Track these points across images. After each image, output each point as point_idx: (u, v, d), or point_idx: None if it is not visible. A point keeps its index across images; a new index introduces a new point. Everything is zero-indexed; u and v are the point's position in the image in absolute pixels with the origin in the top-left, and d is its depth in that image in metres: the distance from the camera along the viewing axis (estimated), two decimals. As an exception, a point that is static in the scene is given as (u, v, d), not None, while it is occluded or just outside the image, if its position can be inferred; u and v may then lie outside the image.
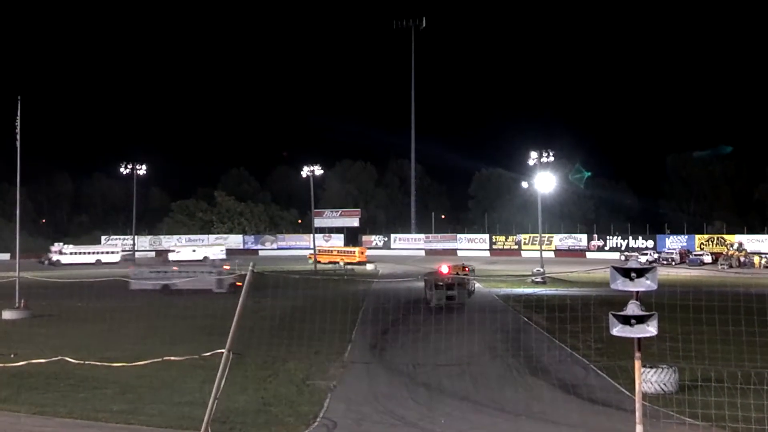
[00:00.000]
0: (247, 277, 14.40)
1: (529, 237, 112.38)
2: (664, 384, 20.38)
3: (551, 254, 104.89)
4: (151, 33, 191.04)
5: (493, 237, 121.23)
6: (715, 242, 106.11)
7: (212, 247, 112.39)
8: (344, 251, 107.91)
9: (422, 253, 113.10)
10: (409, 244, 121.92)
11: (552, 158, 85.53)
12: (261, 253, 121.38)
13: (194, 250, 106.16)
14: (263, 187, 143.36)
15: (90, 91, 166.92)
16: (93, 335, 30.83)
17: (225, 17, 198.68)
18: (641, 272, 11.74)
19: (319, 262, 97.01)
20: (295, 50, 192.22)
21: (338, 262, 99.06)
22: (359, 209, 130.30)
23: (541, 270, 68.24)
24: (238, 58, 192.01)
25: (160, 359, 17.94)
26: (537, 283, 62.74)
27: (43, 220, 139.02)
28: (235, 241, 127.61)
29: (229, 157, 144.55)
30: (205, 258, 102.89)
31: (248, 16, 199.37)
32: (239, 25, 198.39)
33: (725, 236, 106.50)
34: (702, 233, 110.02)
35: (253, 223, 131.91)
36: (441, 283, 47.00)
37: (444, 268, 61.07)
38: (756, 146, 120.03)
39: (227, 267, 64.78)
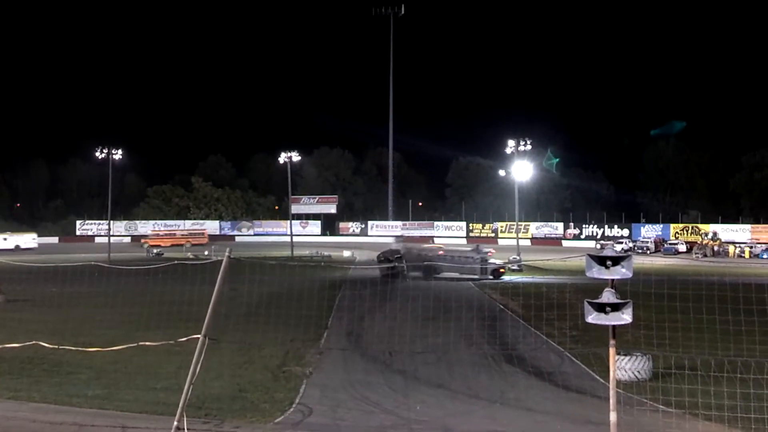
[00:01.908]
0: (224, 263, 14.34)
1: (506, 225, 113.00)
2: (638, 371, 20.56)
3: (527, 242, 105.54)
4: (125, 19, 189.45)
5: (470, 225, 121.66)
6: (689, 231, 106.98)
7: (24, 235, 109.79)
8: (188, 234, 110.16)
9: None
10: (386, 231, 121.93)
11: (529, 147, 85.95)
12: (238, 239, 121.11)
13: (5, 239, 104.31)
14: (241, 174, 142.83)
15: (66, 76, 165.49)
16: (68, 320, 30.59)
17: (203, 2, 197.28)
18: (617, 260, 11.77)
19: (160, 245, 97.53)
20: (273, 37, 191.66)
21: (184, 245, 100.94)
22: (336, 196, 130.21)
23: (518, 258, 68.53)
24: (217, 45, 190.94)
25: (135, 344, 17.84)
26: (513, 270, 63.04)
27: (18, 204, 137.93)
28: (212, 227, 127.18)
29: (207, 143, 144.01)
30: (17, 246, 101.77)
31: (225, 1, 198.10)
32: (217, 12, 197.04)
33: (700, 226, 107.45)
34: (677, 222, 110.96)
35: (230, 209, 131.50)
36: (389, 258, 57.57)
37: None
38: (731, 137, 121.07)
39: (492, 252, 65.50)
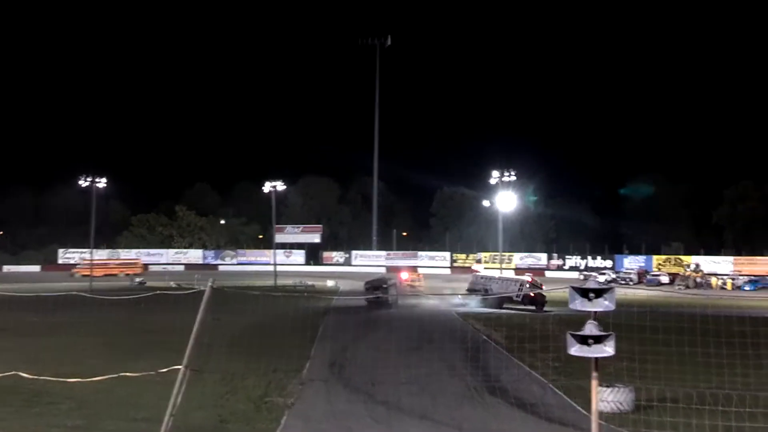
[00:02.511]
0: (206, 293, 14.30)
1: (490, 255, 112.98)
2: (621, 403, 20.50)
3: (511, 273, 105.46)
4: (111, 47, 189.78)
5: (454, 255, 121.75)
6: (672, 263, 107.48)
7: None
8: (124, 263, 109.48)
9: (383, 269, 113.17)
10: (370, 261, 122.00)
11: (513, 178, 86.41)
12: (221, 268, 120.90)
13: None
14: (225, 202, 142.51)
15: (50, 102, 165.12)
16: (48, 350, 30.41)
17: (188, 30, 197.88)
18: (599, 292, 11.85)
19: (89, 275, 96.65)
20: (259, 67, 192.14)
21: (117, 275, 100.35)
22: (321, 225, 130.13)
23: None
24: (203, 74, 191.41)
25: (116, 375, 17.73)
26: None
27: (1, 233, 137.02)
28: (195, 255, 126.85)
29: (192, 171, 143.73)
30: None
31: (212, 29, 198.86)
32: (204, 42, 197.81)
33: (682, 257, 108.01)
34: (660, 254, 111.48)
35: (214, 238, 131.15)
36: (376, 286, 60.84)
37: (404, 275, 79.53)
38: (714, 170, 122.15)
39: (532, 281, 65.32)
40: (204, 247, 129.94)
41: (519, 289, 59.58)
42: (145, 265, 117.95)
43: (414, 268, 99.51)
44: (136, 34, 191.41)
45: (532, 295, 57.43)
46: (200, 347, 14.81)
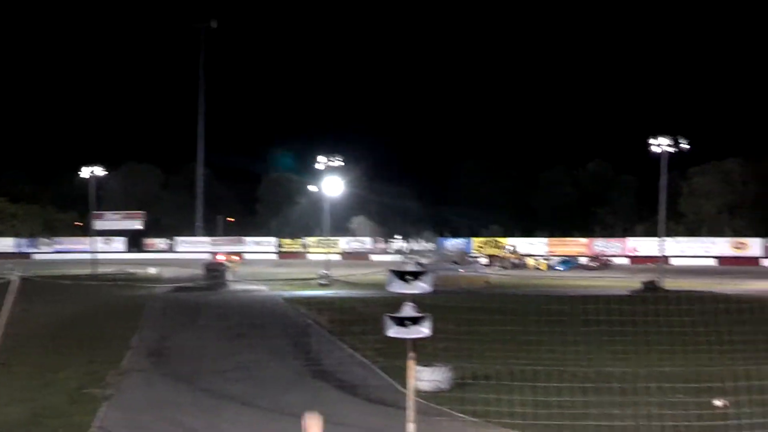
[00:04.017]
0: (13, 283, 13.69)
1: (316, 240, 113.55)
2: (439, 382, 21.11)
3: (337, 257, 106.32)
4: None
5: (281, 240, 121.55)
6: (491, 245, 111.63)
7: None
8: None
9: (208, 255, 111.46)
10: (195, 247, 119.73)
11: (340, 163, 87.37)
12: (36, 257, 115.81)
13: None
14: (42, 189, 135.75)
15: None
16: None
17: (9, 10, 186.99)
18: (417, 275, 12.13)
19: None
20: (79, 50, 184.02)
21: None
22: (143, 212, 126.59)
23: (326, 272, 69.05)
24: (19, 57, 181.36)
25: None
26: (322, 285, 63.43)
27: None
28: (7, 244, 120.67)
29: (3, 157, 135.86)
30: None
31: (34, 11, 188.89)
32: (26, 22, 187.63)
33: (500, 239, 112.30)
34: (479, 236, 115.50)
35: (28, 225, 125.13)
36: (211, 268, 65.34)
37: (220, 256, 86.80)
38: (531, 157, 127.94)
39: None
40: (17, 235, 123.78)
41: None
42: None
43: (237, 254, 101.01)
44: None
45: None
46: (9, 340, 14.18)
